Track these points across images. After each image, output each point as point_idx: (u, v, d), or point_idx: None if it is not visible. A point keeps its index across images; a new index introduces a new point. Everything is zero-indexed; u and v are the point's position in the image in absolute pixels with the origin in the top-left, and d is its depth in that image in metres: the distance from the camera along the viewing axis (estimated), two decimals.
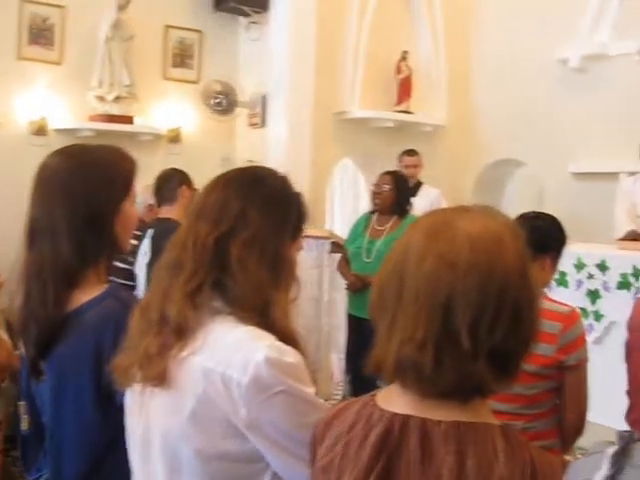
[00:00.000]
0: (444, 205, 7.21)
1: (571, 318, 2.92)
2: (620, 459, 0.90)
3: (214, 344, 1.62)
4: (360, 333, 5.08)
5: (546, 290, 3.12)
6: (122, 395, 1.83)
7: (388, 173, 5.81)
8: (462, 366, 1.24)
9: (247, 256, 1.67)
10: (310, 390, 1.64)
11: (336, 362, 6.64)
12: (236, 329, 1.63)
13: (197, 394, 1.60)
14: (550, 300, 3.00)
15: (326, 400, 6.70)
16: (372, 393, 1.42)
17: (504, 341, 1.25)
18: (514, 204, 9.12)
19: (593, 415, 2.97)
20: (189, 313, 1.64)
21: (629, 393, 2.64)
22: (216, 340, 1.62)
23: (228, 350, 1.59)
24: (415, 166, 7.39)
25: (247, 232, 1.68)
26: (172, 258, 1.73)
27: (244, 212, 1.70)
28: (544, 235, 3.07)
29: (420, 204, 7.09)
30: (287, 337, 1.66)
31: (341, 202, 9.71)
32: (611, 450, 0.92)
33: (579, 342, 2.91)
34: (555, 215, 3.23)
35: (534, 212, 3.28)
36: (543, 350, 2.79)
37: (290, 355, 1.60)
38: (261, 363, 1.55)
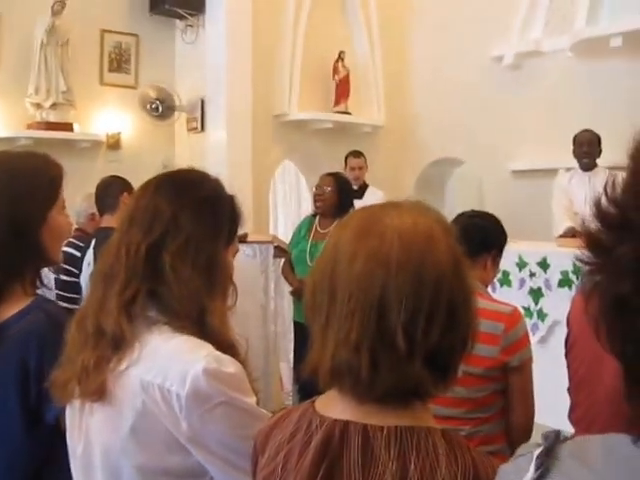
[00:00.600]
0: None
1: (513, 318, 2.87)
2: (545, 461, 0.89)
3: (151, 356, 1.58)
4: (305, 341, 4.93)
5: (489, 290, 3.10)
6: (54, 412, 1.79)
7: (329, 175, 5.76)
8: (398, 368, 1.22)
9: (180, 263, 1.63)
10: (251, 400, 1.61)
11: (285, 371, 6.58)
12: (173, 339, 1.59)
13: (136, 408, 1.56)
14: (492, 300, 2.97)
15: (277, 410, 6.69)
16: (311, 400, 1.40)
17: (441, 340, 1.23)
18: (455, 202, 9.21)
19: (540, 416, 2.94)
20: (125, 324, 1.60)
21: (570, 391, 2.64)
22: (153, 351, 1.59)
23: (165, 362, 1.56)
24: (360, 168, 7.36)
25: (179, 238, 1.65)
26: (105, 267, 1.69)
27: (176, 217, 1.66)
28: (485, 234, 3.07)
29: None
30: (225, 345, 1.63)
31: (284, 204, 9.69)
32: (537, 452, 0.91)
33: (522, 342, 2.87)
34: (495, 213, 3.22)
35: (473, 211, 3.26)
36: (487, 352, 2.76)
37: (229, 365, 1.57)
38: (199, 374, 1.52)
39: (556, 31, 7.42)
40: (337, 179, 5.69)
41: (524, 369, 2.88)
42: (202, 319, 1.63)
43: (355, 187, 7.24)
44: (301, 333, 5.48)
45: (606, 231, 0.76)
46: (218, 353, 1.58)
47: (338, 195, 5.61)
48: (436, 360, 1.24)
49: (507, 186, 7.72)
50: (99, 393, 1.60)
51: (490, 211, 3.27)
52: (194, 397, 1.52)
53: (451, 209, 8.97)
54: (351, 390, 1.28)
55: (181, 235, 1.65)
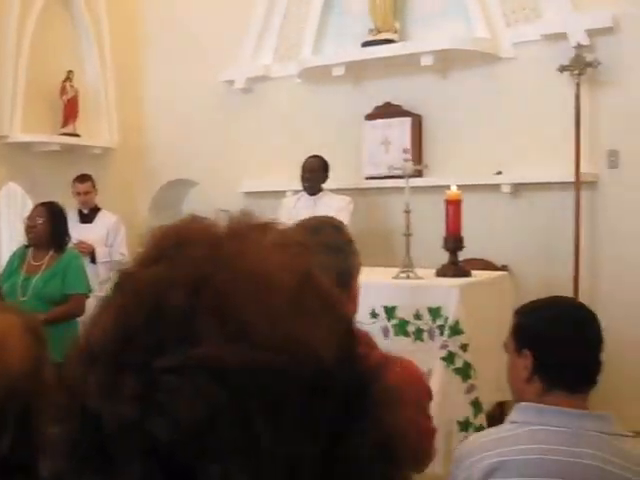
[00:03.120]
0: (122, 232, 7.04)
1: None
2: None
3: None
4: None
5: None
6: None
7: (42, 205, 5.52)
8: None
9: None
10: None
11: None
12: None
13: None
14: None
15: None
16: None
17: (12, 452, 1.16)
18: None
19: None
20: None
21: None
22: None
23: None
24: (87, 192, 7.08)
25: None
26: None
27: None
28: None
29: (97, 232, 6.88)
30: None
31: (8, 229, 9.20)
32: None
33: None
34: None
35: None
36: None
37: None
38: None
39: (285, 57, 7.67)
40: (49, 209, 5.44)
41: None
42: None
43: (85, 211, 7.04)
44: None
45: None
46: None
47: (51, 226, 5.38)
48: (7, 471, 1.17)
49: (238, 207, 7.73)
50: None
51: None
52: None
53: None
54: None
55: None
